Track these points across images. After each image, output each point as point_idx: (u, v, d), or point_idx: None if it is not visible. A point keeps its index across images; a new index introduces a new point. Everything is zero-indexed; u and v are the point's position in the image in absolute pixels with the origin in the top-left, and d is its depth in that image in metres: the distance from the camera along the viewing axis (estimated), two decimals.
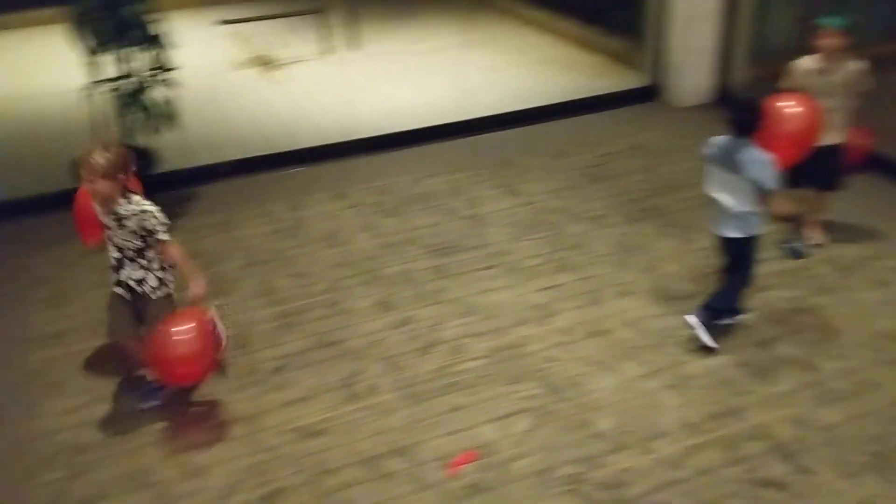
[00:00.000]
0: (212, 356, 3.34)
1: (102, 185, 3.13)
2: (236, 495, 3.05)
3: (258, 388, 3.60)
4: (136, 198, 3.27)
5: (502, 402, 3.47)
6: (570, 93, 6.70)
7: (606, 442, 3.24)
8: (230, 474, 3.14)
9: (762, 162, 3.46)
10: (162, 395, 3.52)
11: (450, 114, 6.44)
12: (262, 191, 5.42)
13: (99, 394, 3.59)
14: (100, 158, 3.10)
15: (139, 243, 3.29)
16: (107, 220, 3.28)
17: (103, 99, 4.70)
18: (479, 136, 6.18)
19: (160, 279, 3.39)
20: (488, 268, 4.43)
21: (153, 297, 3.37)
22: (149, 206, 3.26)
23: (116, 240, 3.30)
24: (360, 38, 8.33)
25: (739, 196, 3.55)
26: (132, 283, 3.36)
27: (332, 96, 6.94)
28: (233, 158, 5.75)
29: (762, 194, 3.52)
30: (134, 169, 3.29)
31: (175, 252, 3.34)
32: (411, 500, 3.01)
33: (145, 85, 4.65)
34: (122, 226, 3.25)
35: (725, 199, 3.60)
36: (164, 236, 3.29)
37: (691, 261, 4.40)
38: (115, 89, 4.63)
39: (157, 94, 4.73)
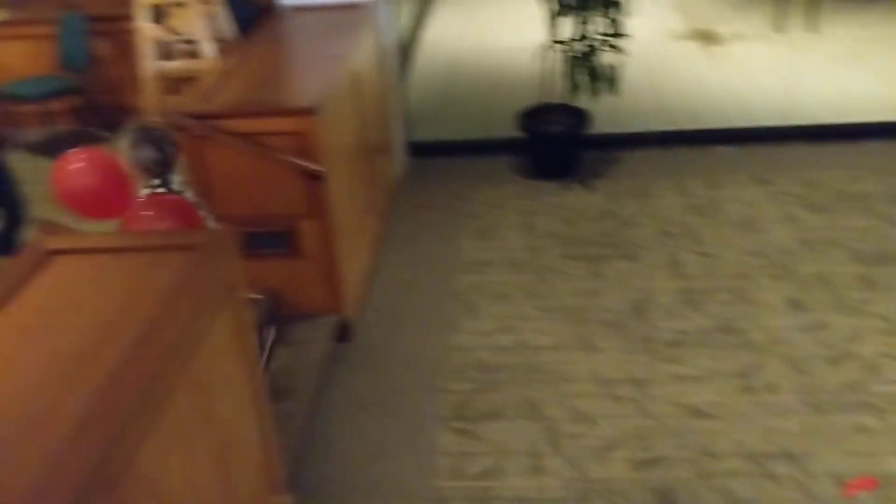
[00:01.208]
0: None
1: None
2: (617, 451, 3.17)
3: (651, 356, 3.66)
4: None
5: None
6: None
7: None
8: (615, 430, 3.27)
9: None
10: None
11: None
12: (681, 164, 5.40)
13: (508, 324, 3.95)
14: None
15: None
16: None
17: (555, 58, 5.02)
18: None
19: None
20: None
21: None
22: None
23: None
24: (819, 18, 7.74)
25: None
26: None
27: (772, 78, 6.59)
28: (658, 129, 5.80)
29: None
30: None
31: None
32: None
33: (596, 49, 4.86)
34: None
35: None
36: None
37: None
38: (569, 50, 4.90)
39: (605, 58, 4.91)
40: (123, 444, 1.71)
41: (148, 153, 2.86)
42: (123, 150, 2.93)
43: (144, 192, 2.92)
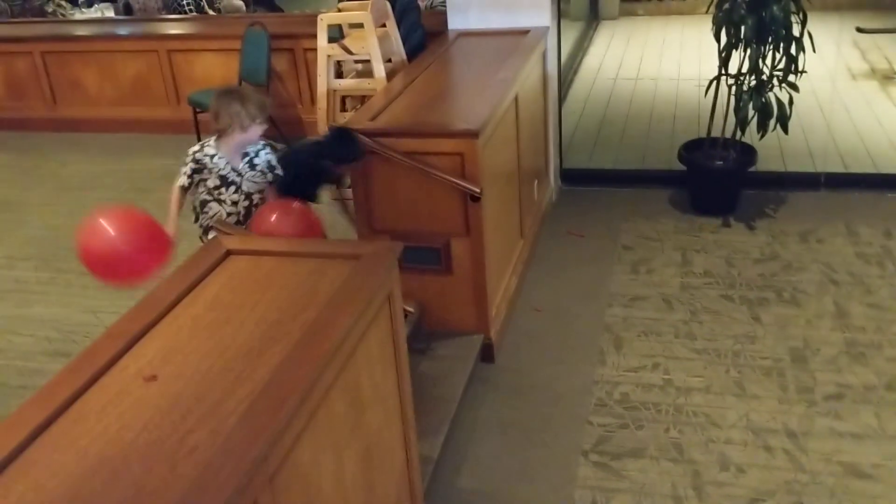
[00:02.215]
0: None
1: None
2: (765, 503, 3.02)
3: (809, 409, 3.46)
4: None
5: None
6: None
7: None
8: (764, 482, 3.11)
9: None
10: None
11: None
12: (853, 209, 5.09)
13: (657, 362, 3.85)
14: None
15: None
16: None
17: (724, 91, 4.88)
18: None
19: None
20: None
21: None
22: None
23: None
24: None
25: None
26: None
27: None
28: (828, 171, 5.51)
29: None
30: None
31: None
32: None
33: (768, 84, 4.68)
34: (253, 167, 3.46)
35: None
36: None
37: None
38: (739, 83, 4.75)
39: (777, 94, 4.73)
40: (284, 437, 1.80)
41: (236, 108, 3.27)
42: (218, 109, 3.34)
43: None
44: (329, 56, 4.95)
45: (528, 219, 4.77)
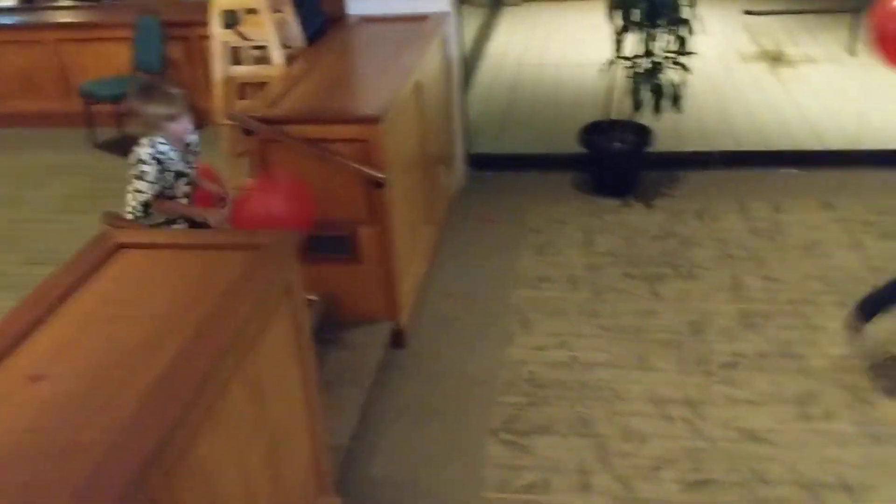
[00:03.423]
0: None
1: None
2: (667, 471, 3.12)
3: (707, 378, 3.60)
4: None
5: None
6: None
7: None
8: (666, 450, 3.22)
9: None
10: None
11: None
12: (745, 186, 5.30)
13: (563, 340, 3.93)
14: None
15: None
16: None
17: (619, 74, 4.99)
18: None
19: None
20: None
21: None
22: None
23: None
24: None
25: None
26: None
27: (842, 101, 6.44)
28: (722, 149, 5.72)
29: None
30: None
31: None
32: None
33: (661, 66, 4.82)
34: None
35: None
36: None
37: None
38: (633, 66, 4.88)
39: (670, 76, 4.87)
40: (179, 434, 1.76)
41: (157, 109, 3.20)
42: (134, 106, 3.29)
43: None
44: (224, 43, 4.83)
45: (436, 204, 4.78)
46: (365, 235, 3.71)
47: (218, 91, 4.93)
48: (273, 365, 2.34)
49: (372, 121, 3.52)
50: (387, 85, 3.85)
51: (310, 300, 3.09)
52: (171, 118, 3.26)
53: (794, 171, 5.45)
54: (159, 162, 3.29)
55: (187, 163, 3.41)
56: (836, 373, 3.57)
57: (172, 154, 3.33)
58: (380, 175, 3.52)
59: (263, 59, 4.87)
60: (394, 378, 3.73)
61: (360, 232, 3.72)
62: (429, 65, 4.52)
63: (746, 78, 7.21)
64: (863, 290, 4.10)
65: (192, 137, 3.45)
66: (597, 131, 5.33)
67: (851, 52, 7.50)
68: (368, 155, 3.54)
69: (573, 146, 5.46)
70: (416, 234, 4.37)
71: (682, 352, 3.78)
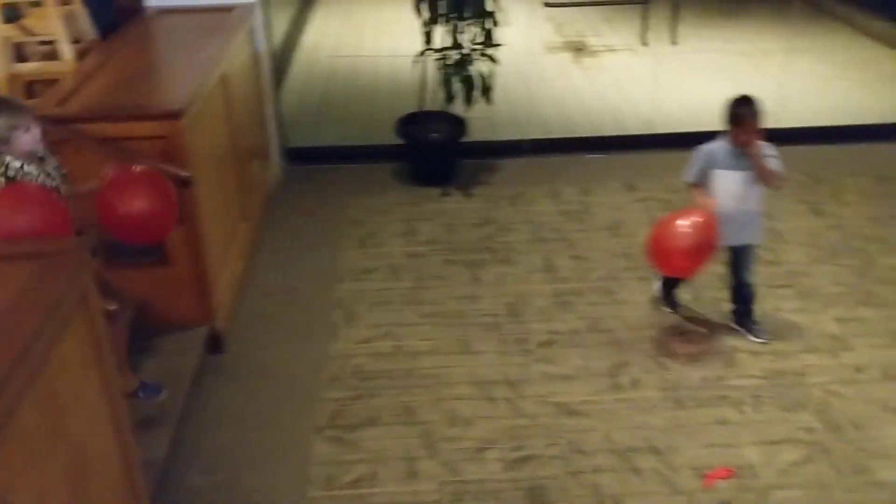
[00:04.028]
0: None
1: None
2: (491, 452, 3.21)
3: (526, 357, 3.73)
4: None
5: (773, 428, 3.29)
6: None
7: (886, 493, 2.96)
8: (489, 431, 3.31)
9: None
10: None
11: (765, 120, 6.11)
12: (556, 172, 5.54)
13: (387, 331, 3.94)
14: None
15: None
16: None
17: (431, 66, 5.06)
18: (793, 148, 5.75)
19: None
20: (781, 287, 4.19)
21: None
22: None
23: None
24: (678, 32, 8.13)
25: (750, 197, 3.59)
26: None
27: (639, 88, 6.87)
28: (533, 137, 5.94)
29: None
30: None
31: None
32: (658, 501, 2.98)
33: (469, 57, 4.93)
34: None
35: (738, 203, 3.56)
36: None
37: None
38: (443, 58, 4.95)
39: (479, 67, 4.99)
40: None
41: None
42: None
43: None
44: (6, 38, 4.44)
45: (252, 200, 4.65)
46: (174, 237, 3.54)
47: (1, 91, 4.52)
48: (70, 380, 2.17)
49: (173, 116, 3.36)
50: (189, 79, 3.69)
51: (111, 310, 2.91)
52: (16, 129, 2.83)
53: (599, 155, 5.75)
54: (15, 180, 2.87)
55: (48, 175, 2.98)
56: (642, 343, 3.81)
57: (28, 168, 2.89)
58: (185, 173, 3.37)
59: (52, 55, 4.52)
60: (213, 383, 3.60)
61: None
62: (235, 57, 4.38)
63: (553, 68, 7.53)
64: None
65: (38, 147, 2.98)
66: (414, 122, 5.38)
67: (644, 41, 8.01)
68: (172, 152, 3.38)
69: (392, 137, 5.49)
70: (232, 232, 4.23)
71: (502, 333, 3.90)
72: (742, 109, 3.50)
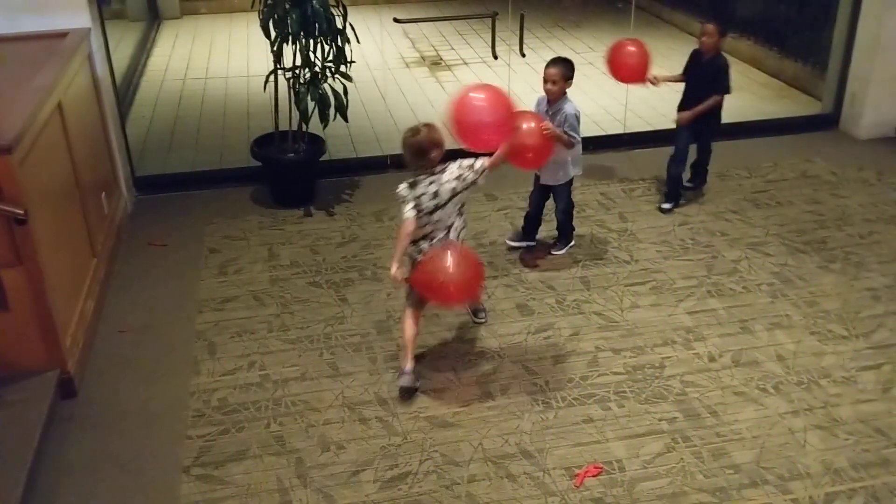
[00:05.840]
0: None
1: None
2: (365, 474, 3.16)
3: (395, 375, 3.71)
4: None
5: (636, 421, 3.41)
6: (739, 114, 6.46)
7: (742, 475, 3.13)
8: (363, 452, 3.27)
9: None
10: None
11: (609, 125, 6.40)
12: None
13: (252, 360, 3.82)
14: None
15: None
16: None
17: (284, 85, 4.98)
18: (639, 151, 6.09)
19: None
20: (635, 284, 4.37)
21: None
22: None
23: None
24: (526, 45, 8.39)
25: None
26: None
27: None
28: (392, 153, 5.94)
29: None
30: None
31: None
32: None
33: (322, 75, 4.88)
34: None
35: None
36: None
37: (855, 300, 4.16)
38: (295, 77, 4.88)
39: (332, 85, 4.95)
40: None
41: None
42: None
43: None
44: None
45: (100, 235, 4.41)
46: (10, 279, 3.30)
47: None
48: None
49: (3, 151, 3.14)
50: (19, 109, 3.46)
51: None
52: None
53: None
54: None
55: None
56: (509, 350, 3.87)
57: None
58: (18, 211, 3.15)
59: None
60: (65, 431, 3.38)
61: (4, 276, 3.31)
62: (71, 85, 4.15)
63: (409, 82, 7.59)
64: (524, 271, 4.51)
65: None
66: (269, 143, 5.28)
67: (494, 54, 8.21)
68: (3, 189, 3.16)
69: (247, 159, 5.35)
70: (80, 269, 4.01)
71: (371, 352, 3.87)
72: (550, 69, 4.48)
